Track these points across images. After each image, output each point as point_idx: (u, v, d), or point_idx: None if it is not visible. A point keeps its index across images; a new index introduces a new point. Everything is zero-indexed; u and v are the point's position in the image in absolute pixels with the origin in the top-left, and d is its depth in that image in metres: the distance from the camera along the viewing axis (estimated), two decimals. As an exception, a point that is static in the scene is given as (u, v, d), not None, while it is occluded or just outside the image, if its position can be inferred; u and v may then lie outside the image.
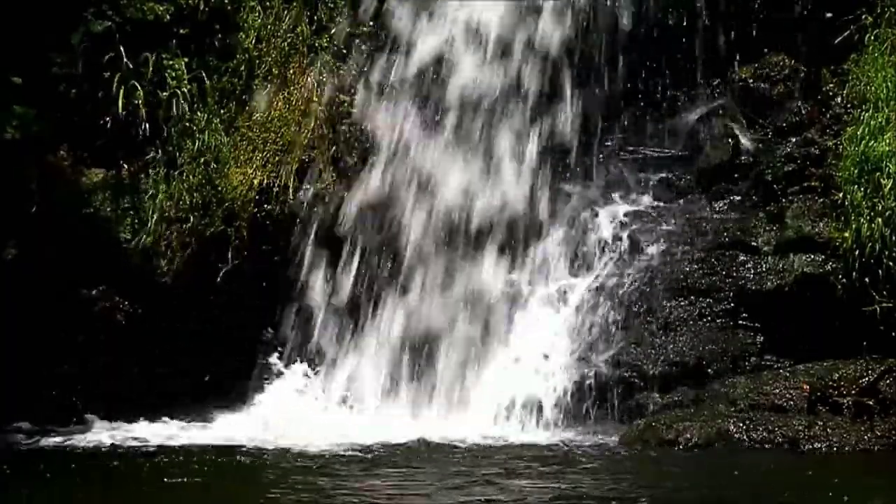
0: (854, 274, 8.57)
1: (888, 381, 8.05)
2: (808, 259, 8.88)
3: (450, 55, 10.05)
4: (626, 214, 9.73)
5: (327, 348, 9.28)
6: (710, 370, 8.68)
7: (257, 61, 9.67)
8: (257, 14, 9.77)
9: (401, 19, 10.10)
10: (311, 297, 9.29)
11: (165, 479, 6.78)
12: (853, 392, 8.07)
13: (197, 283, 9.06)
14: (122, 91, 9.00)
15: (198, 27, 9.48)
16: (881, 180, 8.67)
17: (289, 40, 9.83)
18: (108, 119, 9.07)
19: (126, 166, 9.18)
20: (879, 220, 8.54)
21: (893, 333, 8.32)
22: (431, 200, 9.59)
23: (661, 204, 9.86)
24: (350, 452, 7.63)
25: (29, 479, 6.76)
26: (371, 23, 10.24)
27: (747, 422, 7.99)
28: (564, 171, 9.99)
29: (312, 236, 9.36)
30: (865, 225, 8.58)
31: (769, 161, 9.63)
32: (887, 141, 8.79)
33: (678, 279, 9.14)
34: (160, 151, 9.17)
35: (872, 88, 9.18)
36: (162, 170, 9.12)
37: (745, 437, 7.89)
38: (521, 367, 8.98)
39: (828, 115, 9.67)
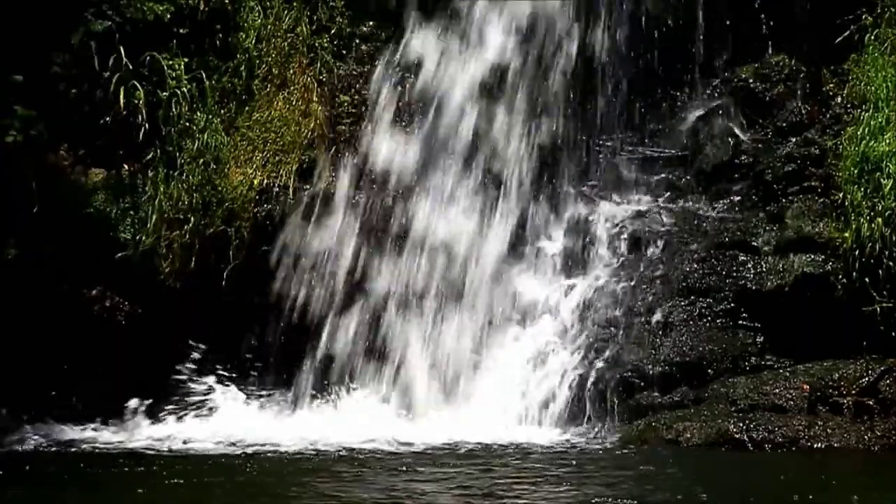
0: (854, 274, 8.57)
1: (888, 381, 8.06)
2: (808, 259, 8.88)
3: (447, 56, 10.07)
4: (626, 214, 9.74)
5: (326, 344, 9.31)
6: (710, 370, 8.68)
7: (257, 61, 9.67)
8: (257, 14, 9.76)
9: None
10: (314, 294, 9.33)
11: (170, 480, 6.79)
12: (853, 392, 8.08)
13: (197, 283, 9.06)
14: (122, 91, 8.99)
15: (198, 27, 9.48)
16: (881, 180, 8.67)
17: (289, 40, 9.83)
18: (108, 119, 9.07)
19: (126, 166, 9.18)
20: (879, 220, 8.55)
21: (893, 333, 8.33)
22: (431, 200, 9.60)
23: (661, 204, 9.87)
24: (350, 454, 7.63)
25: (28, 479, 6.75)
26: (371, 22, 10.26)
27: (747, 422, 7.99)
28: (564, 170, 9.99)
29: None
30: (865, 225, 8.58)
31: (769, 161, 9.63)
32: (887, 141, 8.79)
33: (678, 279, 9.14)
34: (160, 151, 9.16)
35: (872, 88, 9.18)
36: (162, 170, 9.11)
37: (745, 437, 7.89)
38: (520, 368, 8.98)
39: (828, 115, 9.68)
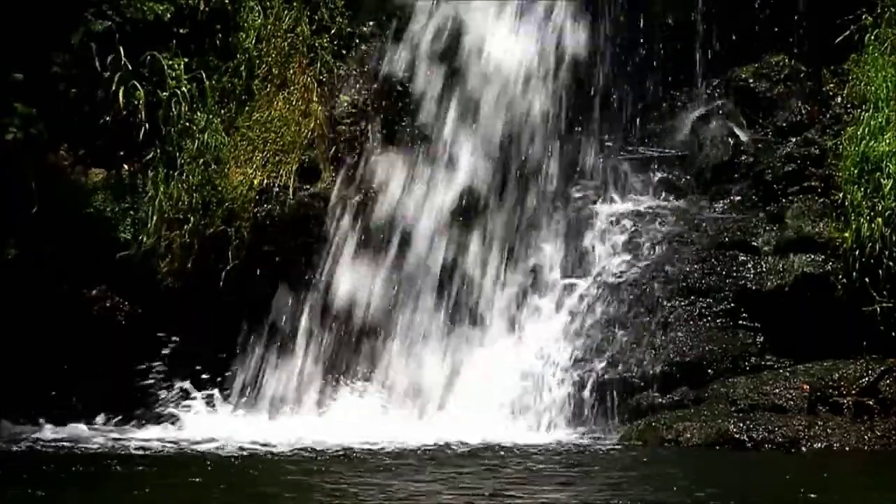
0: (854, 274, 8.58)
1: (888, 381, 8.06)
2: (808, 259, 8.88)
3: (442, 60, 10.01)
4: (626, 214, 9.73)
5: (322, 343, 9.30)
6: (710, 370, 8.68)
7: (257, 61, 9.66)
8: (257, 14, 9.75)
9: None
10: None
11: (170, 480, 6.79)
12: (853, 392, 8.08)
13: (197, 283, 9.06)
14: (122, 91, 8.99)
15: (198, 27, 9.47)
16: (881, 180, 8.68)
17: (289, 40, 9.82)
18: (108, 119, 9.07)
19: (126, 166, 9.18)
20: (879, 220, 8.55)
21: (893, 333, 8.33)
22: (430, 200, 9.58)
23: (661, 204, 9.86)
24: (350, 454, 7.63)
25: (27, 480, 6.75)
26: (371, 22, 10.24)
27: (747, 422, 7.99)
28: (564, 171, 9.99)
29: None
30: (865, 225, 8.59)
31: (769, 161, 9.63)
32: (887, 141, 8.79)
33: (678, 279, 9.14)
34: (160, 151, 9.16)
35: (872, 88, 9.18)
36: (162, 170, 9.11)
37: (745, 437, 7.89)
38: (520, 368, 8.98)
39: (828, 115, 9.68)
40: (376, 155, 9.66)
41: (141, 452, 7.71)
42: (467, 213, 9.62)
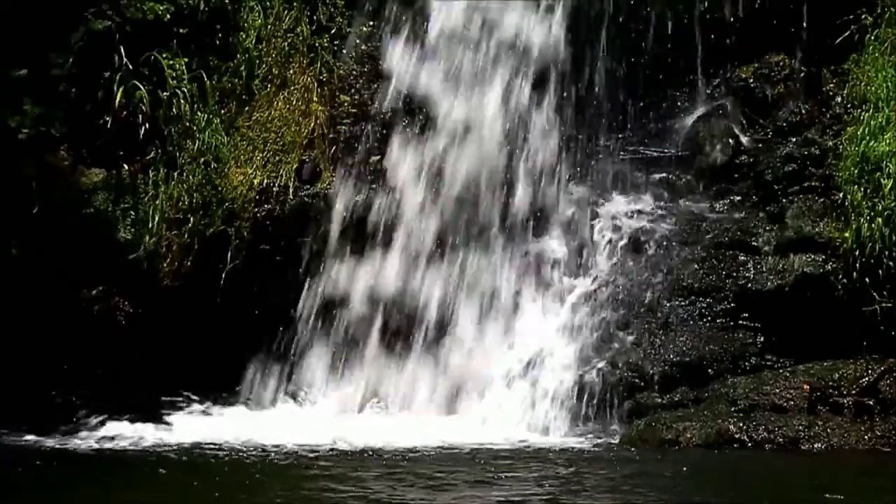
0: (854, 274, 8.58)
1: (888, 381, 8.06)
2: (808, 259, 8.89)
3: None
4: (626, 214, 9.74)
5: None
6: (710, 370, 8.68)
7: (257, 61, 9.67)
8: (257, 14, 9.76)
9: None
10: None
11: (168, 482, 6.79)
12: (853, 392, 8.08)
13: (197, 283, 9.06)
14: (122, 91, 8.99)
15: (198, 27, 9.47)
16: (881, 180, 8.68)
17: (289, 40, 9.83)
18: (108, 119, 9.06)
19: (126, 166, 9.18)
20: (879, 220, 8.55)
21: (893, 333, 8.33)
22: (434, 202, 9.59)
23: (661, 204, 9.87)
24: (349, 455, 7.62)
25: (27, 480, 6.75)
26: (371, 22, 10.24)
27: (747, 422, 8.00)
28: (565, 170, 9.99)
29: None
30: (865, 225, 8.59)
31: (769, 161, 9.63)
32: (887, 141, 8.79)
33: (678, 279, 9.14)
34: (160, 151, 9.16)
35: (872, 88, 9.18)
36: (162, 170, 9.12)
37: (745, 437, 7.90)
38: (520, 368, 8.98)
39: (828, 115, 9.68)
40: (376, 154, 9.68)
41: (140, 453, 7.71)
42: (467, 212, 9.63)
